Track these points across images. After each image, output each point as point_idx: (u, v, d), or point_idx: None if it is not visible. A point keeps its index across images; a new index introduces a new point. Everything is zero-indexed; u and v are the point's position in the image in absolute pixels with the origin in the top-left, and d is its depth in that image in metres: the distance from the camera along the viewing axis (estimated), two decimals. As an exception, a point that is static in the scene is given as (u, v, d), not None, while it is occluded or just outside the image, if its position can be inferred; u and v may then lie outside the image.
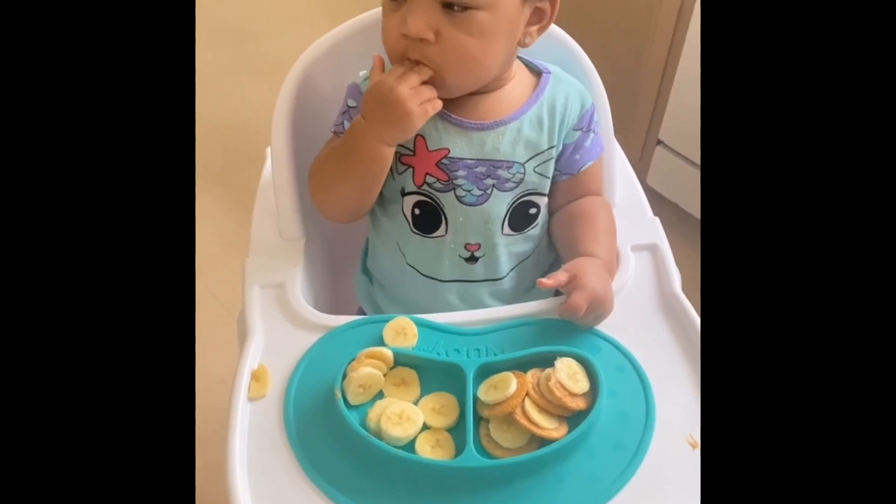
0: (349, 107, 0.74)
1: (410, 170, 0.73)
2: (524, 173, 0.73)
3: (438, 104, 0.67)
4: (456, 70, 0.66)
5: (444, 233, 0.74)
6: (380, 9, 0.73)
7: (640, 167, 1.48)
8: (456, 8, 0.63)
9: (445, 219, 0.73)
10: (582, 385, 0.62)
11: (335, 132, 0.75)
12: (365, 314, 0.83)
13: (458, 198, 0.72)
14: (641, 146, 1.49)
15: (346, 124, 0.73)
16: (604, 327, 0.68)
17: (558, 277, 0.67)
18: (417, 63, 0.66)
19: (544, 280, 0.66)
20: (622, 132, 0.83)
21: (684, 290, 0.72)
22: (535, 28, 0.70)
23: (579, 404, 0.61)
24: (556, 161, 0.75)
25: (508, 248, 0.76)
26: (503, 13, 0.65)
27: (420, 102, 0.65)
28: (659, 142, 1.44)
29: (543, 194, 0.76)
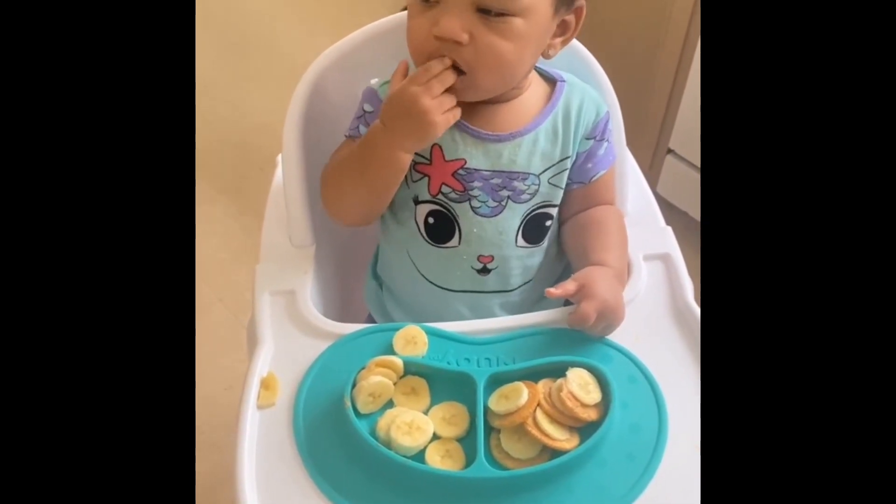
0: (365, 111, 0.74)
1: (426, 179, 0.72)
2: (539, 185, 0.73)
3: (458, 112, 0.67)
4: (487, 72, 0.66)
5: (457, 243, 0.74)
6: (392, 17, 0.73)
7: (651, 176, 1.47)
8: (492, 13, 0.64)
9: (459, 229, 0.73)
10: (594, 396, 0.61)
11: (349, 136, 0.75)
12: (374, 320, 0.83)
13: (473, 209, 0.72)
14: (652, 155, 1.48)
15: (362, 129, 0.73)
16: (615, 337, 0.68)
17: (567, 287, 0.66)
18: (441, 70, 0.65)
19: (552, 290, 0.66)
20: (632, 141, 0.83)
21: (696, 299, 0.72)
22: (559, 40, 0.71)
23: (591, 415, 0.61)
24: (569, 170, 0.75)
25: (522, 261, 0.75)
26: (537, 21, 0.66)
27: (443, 112, 0.65)
28: (669, 150, 1.44)
29: (556, 205, 0.76)
